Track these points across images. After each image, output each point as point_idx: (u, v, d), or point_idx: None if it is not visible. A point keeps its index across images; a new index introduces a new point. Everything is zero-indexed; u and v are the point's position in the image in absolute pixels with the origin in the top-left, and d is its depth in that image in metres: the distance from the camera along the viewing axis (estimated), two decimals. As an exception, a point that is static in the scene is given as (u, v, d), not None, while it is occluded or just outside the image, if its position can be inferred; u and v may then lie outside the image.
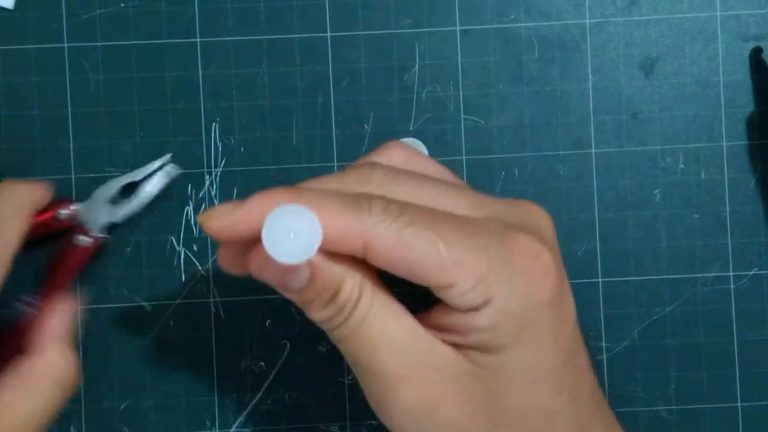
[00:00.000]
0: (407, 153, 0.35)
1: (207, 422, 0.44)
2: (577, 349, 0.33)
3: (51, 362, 0.38)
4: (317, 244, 0.29)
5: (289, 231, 0.29)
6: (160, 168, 0.43)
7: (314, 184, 0.33)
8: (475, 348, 0.31)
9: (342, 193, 0.31)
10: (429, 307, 0.33)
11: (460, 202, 0.33)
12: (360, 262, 0.32)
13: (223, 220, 0.31)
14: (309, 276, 0.31)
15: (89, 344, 0.44)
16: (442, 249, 0.30)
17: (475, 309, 0.31)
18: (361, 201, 0.30)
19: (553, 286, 0.31)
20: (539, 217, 0.34)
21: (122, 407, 0.44)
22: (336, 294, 0.31)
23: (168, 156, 0.43)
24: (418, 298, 0.33)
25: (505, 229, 0.31)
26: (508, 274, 0.31)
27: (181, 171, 0.43)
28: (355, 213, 0.30)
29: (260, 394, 0.44)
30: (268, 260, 0.29)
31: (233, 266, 0.33)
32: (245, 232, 0.31)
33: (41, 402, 0.38)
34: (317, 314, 0.32)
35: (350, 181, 0.33)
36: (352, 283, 0.31)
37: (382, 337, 0.31)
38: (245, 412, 0.44)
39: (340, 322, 0.31)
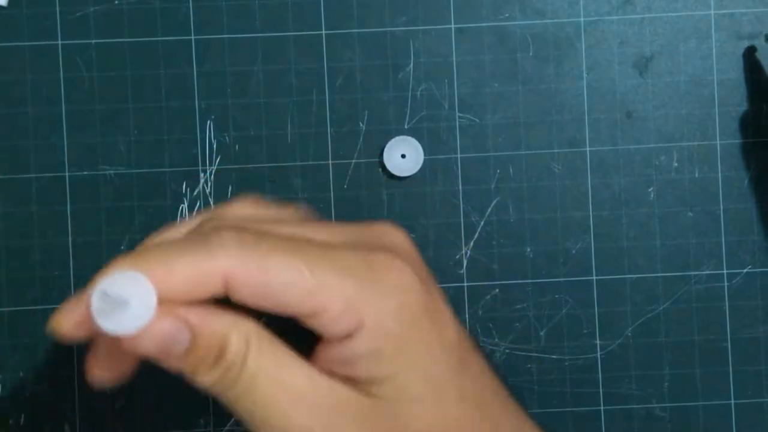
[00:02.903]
0: (254, 199, 0.34)
1: (201, 421, 0.44)
2: (467, 353, 0.32)
3: None
4: (153, 304, 0.27)
5: (118, 299, 0.27)
6: None
7: (159, 239, 0.31)
8: (367, 381, 0.30)
9: (188, 236, 0.29)
10: (313, 348, 0.31)
11: (318, 233, 0.31)
12: (241, 313, 0.29)
13: (71, 316, 0.28)
14: (189, 337, 0.28)
15: (84, 343, 0.44)
16: (306, 274, 0.28)
17: (350, 336, 0.29)
18: (210, 237, 0.28)
19: (421, 297, 0.31)
20: (394, 235, 0.33)
21: (117, 407, 0.44)
22: (222, 352, 0.28)
23: None
24: (304, 341, 0.31)
25: (366, 250, 0.30)
26: (376, 293, 0.30)
27: None
28: (206, 251, 0.28)
29: (254, 392, 0.44)
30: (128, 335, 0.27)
31: (107, 368, 0.31)
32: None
33: None
34: (205, 379, 0.29)
35: (208, 224, 0.31)
36: (238, 336, 0.29)
37: (278, 391, 0.29)
38: (239, 411, 0.44)
39: (231, 383, 0.29)
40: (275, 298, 0.28)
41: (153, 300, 0.27)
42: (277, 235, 0.30)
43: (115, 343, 0.28)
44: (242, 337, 0.29)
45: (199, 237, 0.28)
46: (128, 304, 0.27)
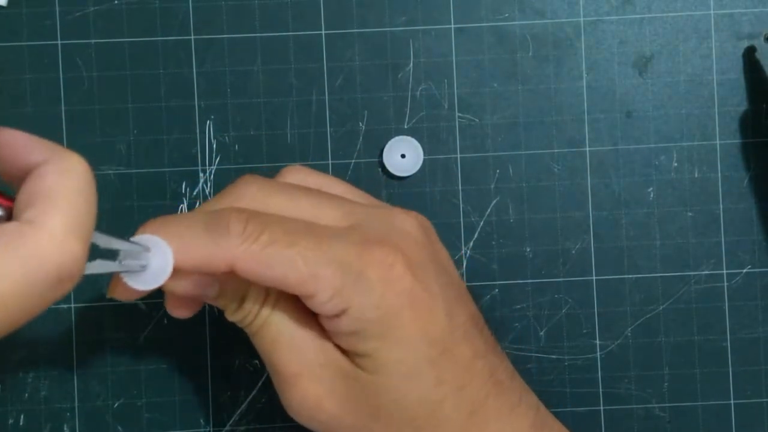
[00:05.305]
0: (301, 172, 0.39)
1: (201, 420, 0.44)
2: (456, 341, 0.36)
3: (43, 240, 0.26)
4: (169, 269, 0.32)
5: (140, 263, 0.32)
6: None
7: (191, 213, 0.36)
8: (350, 353, 0.35)
9: (203, 217, 0.34)
10: None
11: (330, 213, 0.36)
12: None
13: (118, 288, 0.34)
14: (218, 289, 0.35)
15: (83, 342, 0.44)
16: (300, 265, 0.33)
17: (337, 316, 0.34)
18: (220, 223, 0.33)
19: (407, 291, 0.34)
20: (406, 222, 0.36)
21: (116, 405, 0.44)
22: (243, 301, 0.35)
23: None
24: None
25: (364, 241, 0.34)
26: (363, 285, 0.34)
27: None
28: (214, 238, 0.33)
29: (254, 392, 0.44)
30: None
31: (180, 307, 0.37)
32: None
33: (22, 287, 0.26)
34: (231, 317, 0.36)
35: (226, 200, 0.36)
36: (257, 292, 0.35)
37: (279, 338, 0.35)
38: (239, 411, 0.44)
39: (248, 324, 0.36)
40: (273, 282, 0.33)
41: (170, 259, 0.32)
42: (282, 221, 0.34)
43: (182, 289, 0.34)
44: (261, 292, 0.35)
45: (214, 220, 0.33)
46: (149, 265, 0.32)
